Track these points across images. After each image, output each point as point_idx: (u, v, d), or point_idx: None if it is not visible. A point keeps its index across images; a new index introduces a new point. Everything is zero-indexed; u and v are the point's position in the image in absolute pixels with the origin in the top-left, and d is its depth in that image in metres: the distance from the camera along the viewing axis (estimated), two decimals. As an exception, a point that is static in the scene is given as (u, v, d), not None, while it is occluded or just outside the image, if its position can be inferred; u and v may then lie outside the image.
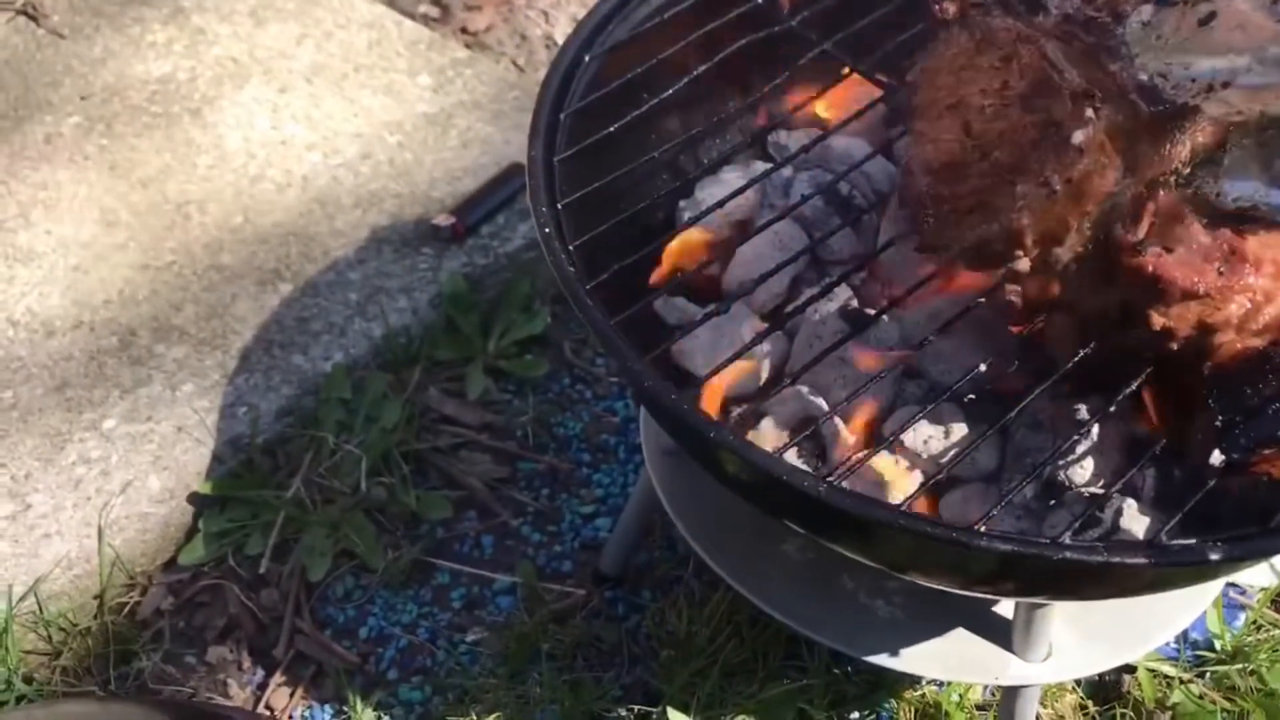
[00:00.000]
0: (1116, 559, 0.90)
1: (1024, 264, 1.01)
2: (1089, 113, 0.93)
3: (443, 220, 1.95)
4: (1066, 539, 0.92)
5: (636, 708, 1.51)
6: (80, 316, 1.85)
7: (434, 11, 2.55)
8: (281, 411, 1.75)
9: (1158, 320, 0.98)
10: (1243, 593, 1.60)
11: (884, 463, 1.12)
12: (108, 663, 1.58)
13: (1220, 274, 0.98)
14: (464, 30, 2.51)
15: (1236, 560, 0.92)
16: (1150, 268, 0.97)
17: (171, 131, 2.13)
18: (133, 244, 1.95)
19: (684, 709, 1.48)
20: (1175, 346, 0.98)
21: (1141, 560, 0.89)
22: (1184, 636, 1.56)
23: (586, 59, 1.26)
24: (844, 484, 0.99)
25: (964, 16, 1.03)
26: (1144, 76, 0.96)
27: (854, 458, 1.05)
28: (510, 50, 2.47)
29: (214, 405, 1.75)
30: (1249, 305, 0.97)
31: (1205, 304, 0.98)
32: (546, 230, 1.11)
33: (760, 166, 1.39)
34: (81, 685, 1.56)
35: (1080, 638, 1.29)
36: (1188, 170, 0.97)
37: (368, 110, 2.16)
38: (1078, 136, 0.93)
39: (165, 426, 1.72)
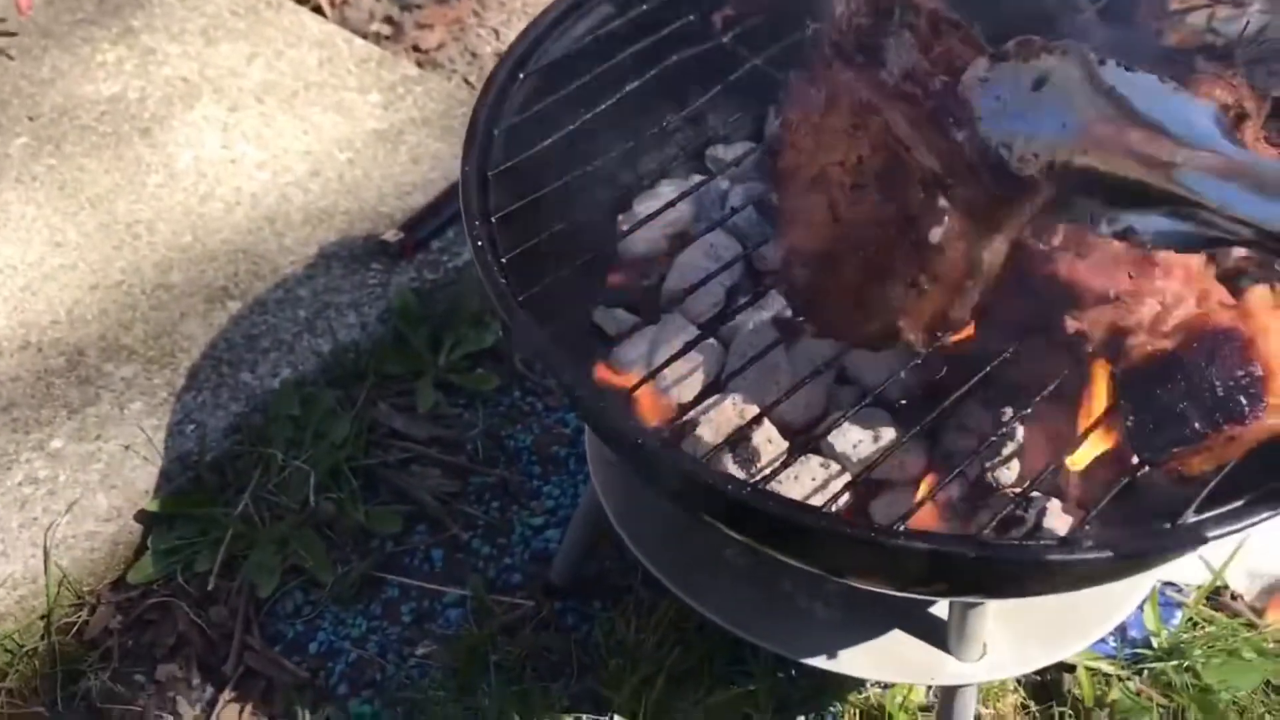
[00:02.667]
0: (1021, 555, 0.92)
1: (919, 343, 1.02)
2: (942, 203, 0.94)
3: (392, 236, 1.96)
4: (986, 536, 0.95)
5: (585, 716, 1.53)
6: (28, 337, 1.85)
7: (385, 29, 2.57)
8: (230, 429, 1.76)
9: (1072, 324, 1.01)
10: (1179, 590, 1.63)
11: (813, 466, 1.14)
12: (55, 683, 1.57)
13: (1131, 278, 1.01)
14: (415, 48, 2.53)
15: (1140, 556, 0.94)
16: (1064, 273, 1.00)
17: (121, 151, 2.13)
18: (81, 264, 1.95)
19: (631, 717, 1.49)
20: (1090, 349, 1.01)
21: (1050, 556, 0.92)
22: (1122, 635, 1.59)
23: (521, 75, 1.28)
24: (774, 488, 1.01)
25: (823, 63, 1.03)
26: (991, 145, 0.93)
27: (781, 461, 1.07)
28: (461, 67, 2.49)
29: (162, 423, 1.75)
30: (1159, 308, 1.00)
31: (1117, 307, 1.00)
32: (479, 243, 1.12)
33: (698, 180, 1.41)
34: (28, 707, 1.56)
35: (1015, 637, 1.31)
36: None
37: (318, 128, 2.17)
38: (935, 234, 0.94)
39: (113, 445, 1.72)
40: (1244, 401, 0.94)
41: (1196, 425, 0.95)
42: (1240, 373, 0.95)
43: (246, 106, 2.21)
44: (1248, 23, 1.16)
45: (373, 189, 2.08)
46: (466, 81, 2.46)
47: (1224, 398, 0.95)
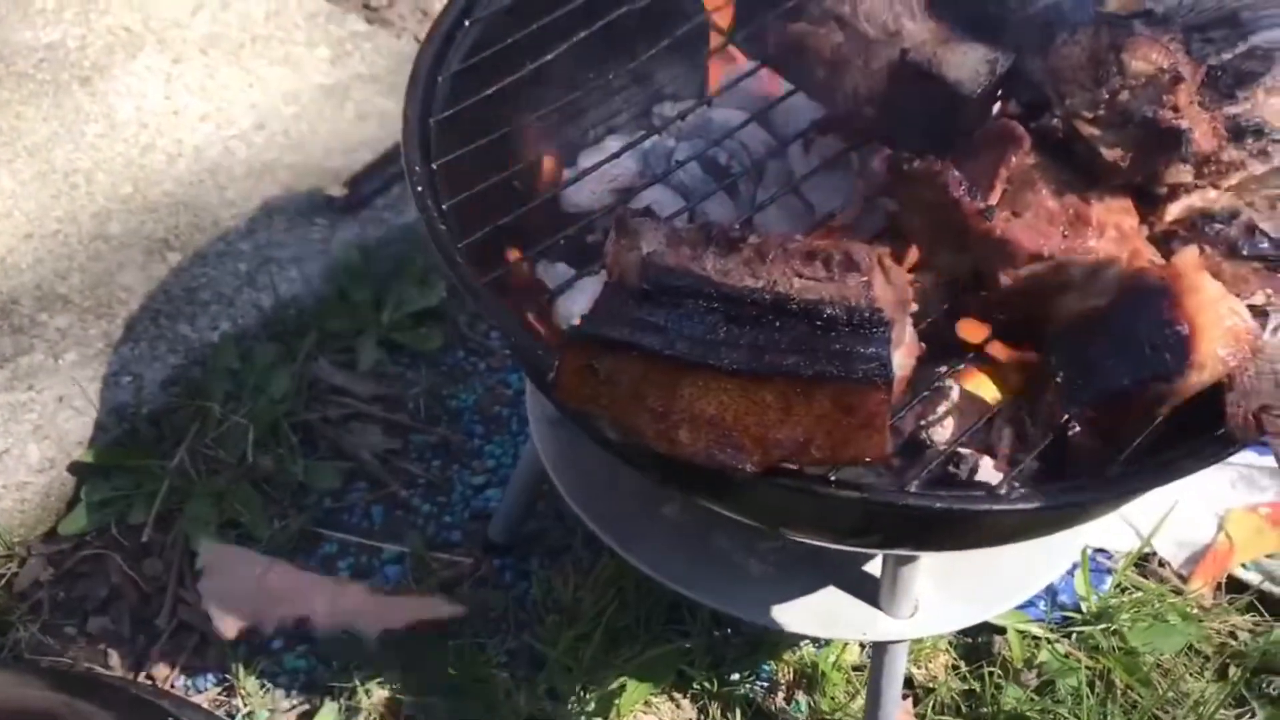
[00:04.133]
0: (948, 504, 0.94)
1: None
2: None
3: (337, 191, 1.94)
4: (913, 488, 0.96)
5: (521, 671, 1.53)
6: (-40, 285, 1.81)
7: (335, -15, 2.53)
8: (167, 381, 1.73)
9: (1005, 280, 1.02)
10: (1109, 557, 1.66)
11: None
12: (-17, 633, 1.55)
13: (1065, 237, 1.02)
14: (365, 5, 2.49)
15: (1062, 508, 0.96)
16: (998, 231, 1.01)
17: (60, 99, 2.09)
18: (16, 212, 1.91)
19: (567, 671, 1.50)
20: (1021, 305, 1.02)
21: (972, 506, 0.94)
22: (1052, 599, 1.62)
23: (467, 23, 1.27)
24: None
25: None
26: None
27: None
28: (412, 25, 2.46)
29: (98, 374, 1.72)
30: (1091, 268, 1.01)
31: (1050, 265, 1.02)
32: (419, 189, 1.11)
33: (643, 135, 1.41)
34: (-46, 656, 1.53)
35: (946, 598, 1.33)
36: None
37: (263, 81, 2.14)
38: None
39: (46, 396, 1.69)
40: (1169, 358, 0.95)
41: (1124, 381, 0.96)
42: (1167, 331, 0.96)
43: (190, 58, 2.17)
44: (1185, -6, 1.18)
45: (318, 144, 2.05)
46: (416, 39, 2.43)
47: (1150, 355, 0.96)
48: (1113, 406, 0.98)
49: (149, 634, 1.58)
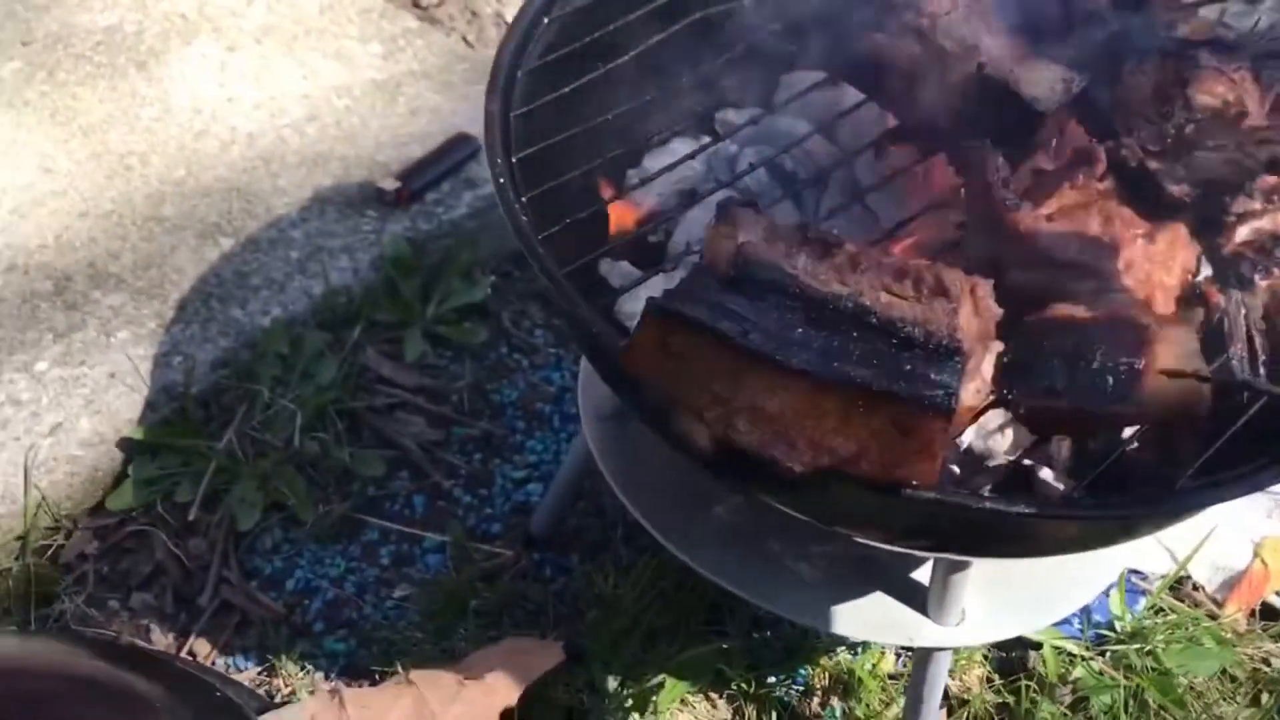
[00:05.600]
0: (1023, 510, 0.95)
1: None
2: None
3: (388, 184, 1.96)
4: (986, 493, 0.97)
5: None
6: (14, 260, 1.83)
7: (386, -17, 2.56)
8: (217, 363, 1.75)
9: (1014, 278, 1.03)
10: (1144, 578, 1.67)
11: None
12: (29, 604, 1.57)
13: (1081, 253, 1.04)
14: (416, 4, 2.52)
15: (1134, 517, 0.98)
16: (1022, 225, 1.03)
17: (116, 82, 2.11)
18: (71, 191, 1.93)
19: (605, 665, 1.51)
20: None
21: (1051, 512, 0.95)
22: (1087, 618, 1.63)
23: (546, 20, 1.29)
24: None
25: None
26: None
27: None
28: (461, 26, 2.49)
29: (149, 353, 1.74)
30: (1094, 287, 1.03)
31: (1057, 275, 1.04)
32: (501, 181, 1.13)
33: (709, 140, 1.43)
34: (1, 625, 1.55)
35: (990, 607, 1.34)
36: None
37: (316, 73, 2.16)
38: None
39: (98, 372, 1.71)
40: (1111, 385, 0.96)
41: (1056, 385, 0.97)
42: (1123, 362, 0.97)
43: (245, 47, 2.20)
44: (1259, 19, 1.20)
45: (370, 137, 2.07)
46: (465, 40, 2.46)
47: (1095, 376, 0.97)
48: (1045, 408, 0.99)
49: (191, 612, 1.60)
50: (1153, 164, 1.12)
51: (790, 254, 0.95)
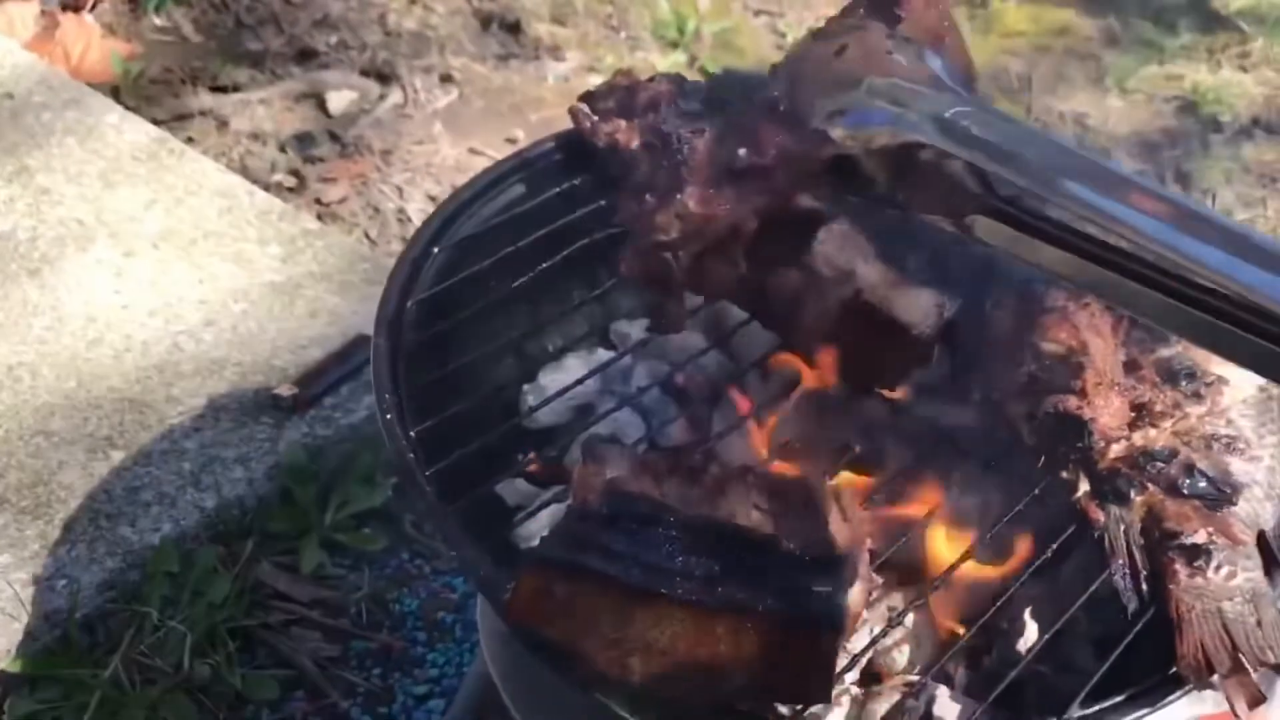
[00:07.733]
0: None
1: None
2: None
3: (285, 390, 1.94)
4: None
5: None
6: (-110, 481, 1.77)
7: (289, 181, 2.59)
8: (104, 585, 1.69)
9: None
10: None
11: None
12: None
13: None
14: (318, 200, 2.55)
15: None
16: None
17: (7, 290, 2.09)
18: (-45, 406, 1.89)
19: None
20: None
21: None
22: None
23: (435, 250, 1.31)
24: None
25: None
26: None
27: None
28: (363, 222, 2.52)
29: (31, 578, 1.68)
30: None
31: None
32: (389, 416, 1.13)
33: (602, 354, 1.45)
34: None
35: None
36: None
37: (214, 277, 2.16)
38: None
39: (-25, 600, 1.64)
40: (1040, 376, 1.08)
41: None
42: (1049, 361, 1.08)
43: (142, 252, 2.19)
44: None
45: (267, 342, 2.06)
46: (368, 236, 2.49)
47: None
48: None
49: None
50: (1010, 410, 1.16)
51: (660, 483, 0.96)
